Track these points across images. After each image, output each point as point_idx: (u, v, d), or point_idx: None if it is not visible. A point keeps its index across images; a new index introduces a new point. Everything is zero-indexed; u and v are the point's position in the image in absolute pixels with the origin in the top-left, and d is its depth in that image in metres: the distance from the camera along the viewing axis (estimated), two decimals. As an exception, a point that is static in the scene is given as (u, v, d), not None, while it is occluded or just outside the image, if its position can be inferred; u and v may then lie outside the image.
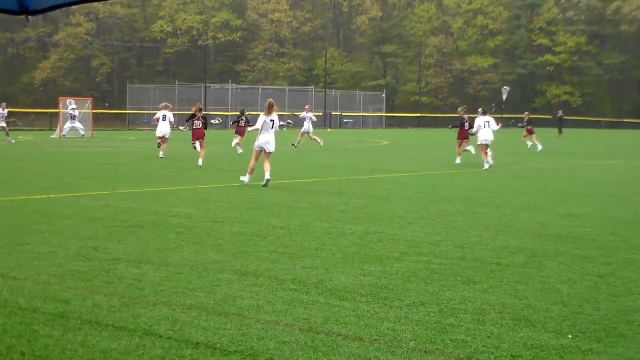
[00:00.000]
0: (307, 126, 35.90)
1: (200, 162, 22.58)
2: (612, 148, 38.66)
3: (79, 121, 43.27)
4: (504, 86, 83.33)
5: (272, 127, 17.41)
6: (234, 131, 32.03)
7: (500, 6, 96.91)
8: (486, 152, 23.79)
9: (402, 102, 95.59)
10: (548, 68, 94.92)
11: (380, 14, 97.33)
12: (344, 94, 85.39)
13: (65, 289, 7.06)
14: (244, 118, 30.60)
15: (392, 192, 16.30)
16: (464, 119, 27.12)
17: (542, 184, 18.95)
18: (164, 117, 26.87)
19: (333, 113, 78.66)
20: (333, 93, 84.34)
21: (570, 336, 5.91)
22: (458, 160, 25.96)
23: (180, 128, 30.32)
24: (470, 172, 19.57)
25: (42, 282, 7.32)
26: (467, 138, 26.73)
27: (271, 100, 18.12)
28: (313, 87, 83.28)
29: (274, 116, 17.49)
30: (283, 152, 29.03)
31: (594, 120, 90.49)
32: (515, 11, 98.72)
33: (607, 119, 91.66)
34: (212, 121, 30.03)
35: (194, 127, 24.17)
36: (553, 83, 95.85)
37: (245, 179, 17.25)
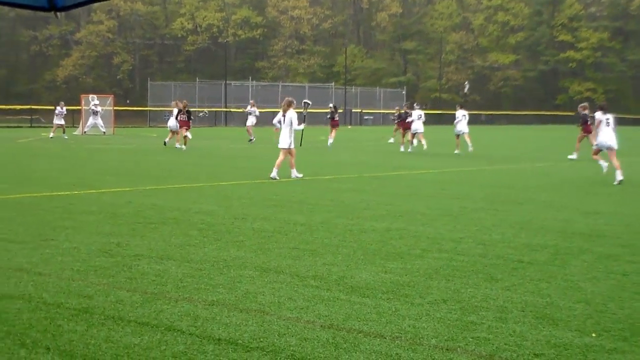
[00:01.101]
0: (252, 120, 38.47)
1: (178, 145, 29.68)
2: (636, 145, 38.34)
3: (100, 117, 43.64)
4: (523, 82, 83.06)
5: (286, 124, 18.10)
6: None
7: (521, 2, 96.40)
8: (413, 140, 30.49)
9: (422, 98, 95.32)
10: (570, 64, 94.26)
11: (401, 10, 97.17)
12: (364, 91, 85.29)
13: (89, 285, 7.11)
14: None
15: (413, 188, 16.27)
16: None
17: (566, 181, 18.84)
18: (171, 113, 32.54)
19: (353, 110, 78.60)
20: (353, 90, 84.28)
21: (594, 334, 5.87)
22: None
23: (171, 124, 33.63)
24: (492, 169, 19.49)
25: (65, 278, 7.37)
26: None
27: (289, 98, 18.67)
28: (333, 83, 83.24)
29: (291, 113, 18.02)
30: (304, 150, 29.09)
31: (618, 117, 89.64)
32: (537, 7, 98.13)
33: (631, 116, 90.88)
34: (200, 114, 36.83)
35: (180, 119, 30.04)
36: (575, 79, 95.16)
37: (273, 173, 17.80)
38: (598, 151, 19.38)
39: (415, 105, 32.69)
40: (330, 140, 34.27)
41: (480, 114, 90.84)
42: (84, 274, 7.53)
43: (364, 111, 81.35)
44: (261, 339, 5.57)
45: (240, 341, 5.52)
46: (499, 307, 6.57)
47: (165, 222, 10.90)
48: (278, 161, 17.90)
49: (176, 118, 30.27)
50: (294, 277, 7.53)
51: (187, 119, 29.94)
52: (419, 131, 31.15)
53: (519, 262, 8.48)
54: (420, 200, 14.19)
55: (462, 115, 30.60)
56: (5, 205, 12.52)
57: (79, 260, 8.13)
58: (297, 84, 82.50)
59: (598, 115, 19.70)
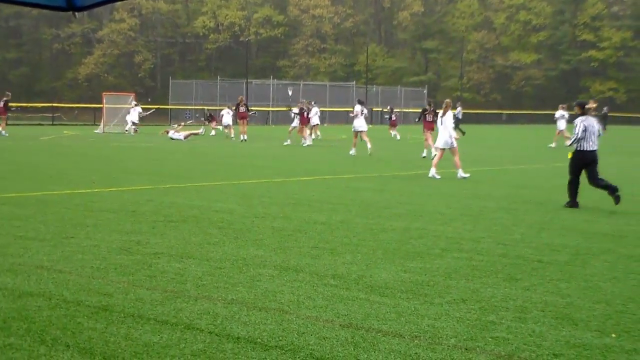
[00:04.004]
0: (227, 119, 40.75)
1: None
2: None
3: (131, 119, 44.46)
4: (545, 82, 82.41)
5: (445, 125, 18.61)
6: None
7: (543, 1, 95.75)
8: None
9: (443, 97, 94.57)
10: (592, 64, 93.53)
11: (422, 9, 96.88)
12: (385, 90, 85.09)
13: (108, 282, 7.15)
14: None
15: (433, 188, 16.22)
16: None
17: (586, 181, 18.70)
18: (228, 113, 39.53)
19: (374, 109, 78.46)
20: (374, 89, 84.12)
21: (613, 335, 5.83)
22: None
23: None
24: (512, 168, 19.38)
25: (85, 275, 7.41)
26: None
27: (448, 100, 19.49)
28: (354, 82, 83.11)
29: (449, 115, 18.72)
30: (322, 148, 29.08)
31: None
32: (559, 6, 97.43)
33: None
34: (250, 114, 38.61)
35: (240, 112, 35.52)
36: (597, 79, 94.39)
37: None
38: None
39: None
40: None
41: (502, 113, 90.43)
42: (104, 272, 7.57)
43: (384, 110, 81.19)
44: (280, 338, 5.58)
45: (259, 340, 5.53)
46: (519, 307, 6.54)
47: (185, 220, 10.94)
48: (435, 160, 18.61)
49: (237, 109, 36.56)
50: (313, 276, 7.53)
51: (246, 111, 36.48)
52: (360, 130, 28.00)
53: (539, 262, 8.44)
54: (439, 199, 14.15)
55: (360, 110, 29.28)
56: (26, 202, 12.62)
57: (99, 258, 8.18)
58: (318, 83, 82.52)
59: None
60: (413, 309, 6.44)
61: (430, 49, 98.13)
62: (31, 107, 66.48)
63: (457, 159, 18.60)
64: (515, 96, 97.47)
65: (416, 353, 5.32)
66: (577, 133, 13.46)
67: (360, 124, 27.63)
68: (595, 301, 6.80)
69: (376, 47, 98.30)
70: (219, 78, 78.45)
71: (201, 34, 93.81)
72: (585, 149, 13.53)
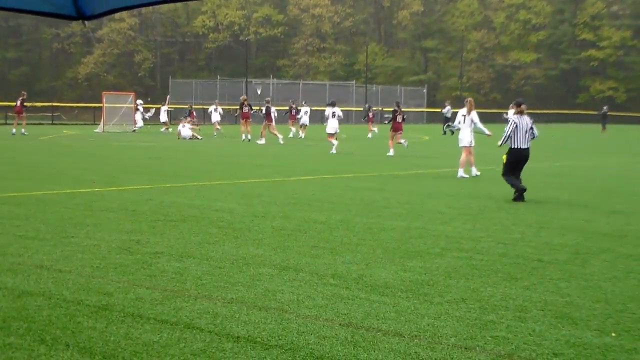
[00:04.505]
0: (215, 117, 42.86)
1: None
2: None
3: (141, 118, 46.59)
4: (544, 81, 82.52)
5: (467, 124, 18.82)
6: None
7: (543, 0, 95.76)
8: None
9: (443, 97, 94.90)
10: (592, 63, 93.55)
11: (422, 9, 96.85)
12: (385, 89, 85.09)
13: (108, 282, 7.15)
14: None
15: (433, 187, 16.22)
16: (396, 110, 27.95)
17: (586, 181, 18.74)
18: (215, 109, 41.95)
19: (373, 108, 78.45)
20: (374, 88, 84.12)
21: (613, 334, 5.83)
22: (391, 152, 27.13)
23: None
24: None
25: (85, 275, 7.42)
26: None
27: (470, 99, 19.49)
28: (354, 82, 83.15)
29: (473, 114, 18.75)
30: (322, 148, 29.11)
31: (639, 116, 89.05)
32: (559, 5, 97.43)
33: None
34: (253, 112, 37.64)
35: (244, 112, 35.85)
36: (597, 78, 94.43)
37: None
38: None
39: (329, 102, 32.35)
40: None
41: (502, 113, 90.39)
42: (104, 271, 7.57)
43: (384, 109, 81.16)
44: (280, 337, 5.58)
45: (259, 339, 5.54)
46: (518, 306, 6.54)
47: (185, 219, 10.95)
48: (461, 160, 18.56)
49: (241, 109, 36.36)
50: (313, 276, 7.54)
51: (249, 111, 36.37)
52: (330, 131, 28.79)
53: (539, 261, 8.44)
54: (439, 199, 14.15)
55: (332, 112, 30.04)
56: (26, 202, 12.62)
57: (99, 258, 8.18)
58: (318, 82, 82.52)
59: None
60: (413, 308, 6.44)
61: (430, 48, 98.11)
62: (31, 106, 66.34)
63: (469, 158, 18.74)
64: (515, 95, 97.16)
65: (416, 352, 5.33)
66: (507, 131, 14.20)
67: (332, 125, 28.64)
68: (595, 300, 6.81)
69: (376, 47, 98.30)
70: (218, 77, 78.46)
71: (201, 33, 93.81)
72: (518, 147, 14.13)
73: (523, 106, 14.48)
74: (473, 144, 18.85)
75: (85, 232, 9.71)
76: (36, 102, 66.83)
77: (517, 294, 6.98)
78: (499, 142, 14.57)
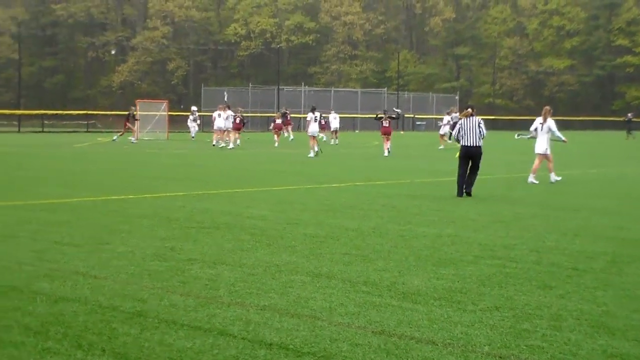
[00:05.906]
0: (219, 123, 42.77)
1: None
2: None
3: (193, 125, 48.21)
4: (579, 88, 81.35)
5: (544, 131, 19.26)
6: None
7: (577, 6, 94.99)
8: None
9: (475, 104, 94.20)
10: (627, 69, 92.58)
11: (454, 16, 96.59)
12: (417, 96, 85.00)
13: (143, 288, 7.20)
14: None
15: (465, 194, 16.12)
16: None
17: (621, 188, 18.53)
18: (219, 115, 38.15)
19: (406, 115, 78.34)
20: (406, 95, 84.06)
21: (650, 344, 5.75)
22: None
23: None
24: (545, 174, 19.23)
25: (120, 281, 7.48)
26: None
27: (548, 107, 19.83)
28: (385, 89, 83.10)
29: (550, 121, 19.25)
30: (354, 155, 29.10)
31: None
32: (593, 11, 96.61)
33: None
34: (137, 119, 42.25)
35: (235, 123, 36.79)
36: (632, 84, 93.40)
37: None
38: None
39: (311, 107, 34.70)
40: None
41: (535, 119, 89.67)
42: (138, 278, 7.63)
43: (416, 116, 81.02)
44: (312, 344, 5.58)
45: (291, 346, 5.54)
46: (553, 315, 6.48)
47: (218, 226, 11.00)
48: (534, 166, 18.95)
49: (234, 121, 36.84)
50: (346, 283, 7.53)
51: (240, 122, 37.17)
52: (311, 134, 30.71)
53: (574, 269, 8.36)
54: (471, 205, 14.08)
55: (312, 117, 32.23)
56: (62, 209, 12.76)
57: (133, 264, 8.25)
58: (350, 90, 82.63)
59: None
60: (446, 316, 6.41)
61: (462, 55, 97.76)
62: (66, 114, 67.20)
63: (548, 165, 19.13)
64: (548, 102, 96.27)
65: (449, 360, 5.30)
66: (456, 130, 16.32)
67: (313, 129, 30.58)
68: (632, 310, 6.72)
69: (407, 54, 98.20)
70: (250, 85, 78.81)
71: (233, 41, 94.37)
72: (467, 145, 15.79)
73: (469, 109, 16.13)
74: (549, 152, 19.08)
75: (119, 239, 9.79)
76: (71, 110, 67.59)
77: (552, 302, 6.92)
78: (450, 140, 16.31)
